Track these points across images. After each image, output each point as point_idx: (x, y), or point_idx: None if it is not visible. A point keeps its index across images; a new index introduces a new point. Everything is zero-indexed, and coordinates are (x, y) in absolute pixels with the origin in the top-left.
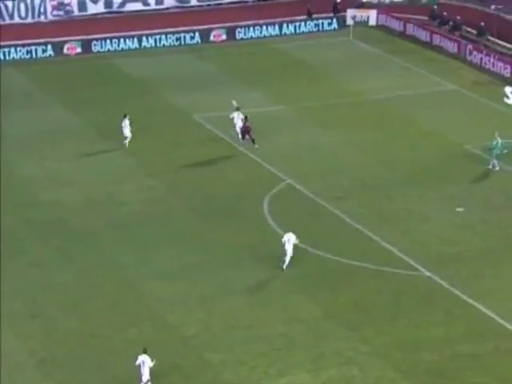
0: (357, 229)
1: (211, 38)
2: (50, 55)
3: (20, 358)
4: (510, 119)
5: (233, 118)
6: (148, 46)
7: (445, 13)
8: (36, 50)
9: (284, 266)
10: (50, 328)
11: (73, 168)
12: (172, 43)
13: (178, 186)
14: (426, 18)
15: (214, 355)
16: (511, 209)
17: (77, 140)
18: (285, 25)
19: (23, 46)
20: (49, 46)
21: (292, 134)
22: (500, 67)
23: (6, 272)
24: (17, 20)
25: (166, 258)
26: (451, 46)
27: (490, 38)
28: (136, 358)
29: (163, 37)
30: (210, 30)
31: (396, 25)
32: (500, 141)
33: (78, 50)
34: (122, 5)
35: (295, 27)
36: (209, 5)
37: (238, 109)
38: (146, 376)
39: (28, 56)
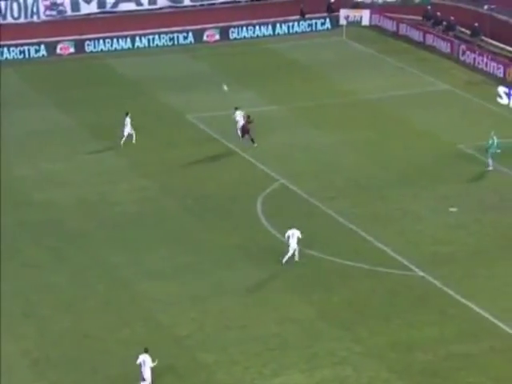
0: (350, 229)
1: (204, 37)
2: (43, 55)
3: (13, 359)
4: (503, 119)
5: (235, 118)
6: (141, 46)
7: (438, 13)
8: (29, 50)
9: (284, 260)
10: (43, 328)
11: (66, 168)
12: (165, 43)
13: (171, 187)
14: (419, 18)
15: (207, 355)
16: (505, 209)
17: (70, 140)
18: (278, 25)
19: (16, 46)
20: (42, 46)
21: (285, 134)
22: (493, 67)
23: (1, 272)
24: (9, 20)
25: (159, 258)
26: (444, 46)
27: (483, 38)
28: (137, 357)
29: (156, 37)
30: (204, 29)
31: (389, 25)
32: (496, 140)
33: (71, 50)
34: (115, 5)
35: (288, 27)
36: (202, 5)
37: (236, 108)
38: (146, 375)
39: (21, 56)
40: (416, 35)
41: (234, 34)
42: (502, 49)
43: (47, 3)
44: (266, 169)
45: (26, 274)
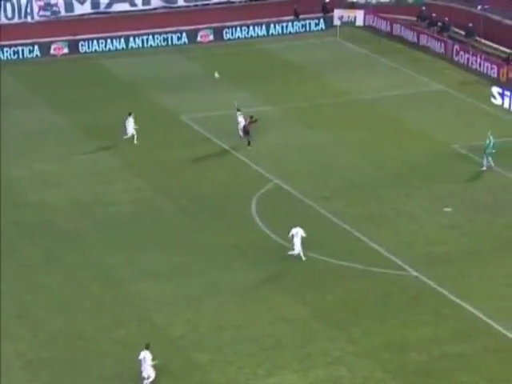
0: (344, 229)
1: (198, 38)
2: (36, 56)
3: (7, 359)
4: (496, 119)
5: (237, 119)
6: (135, 46)
7: (434, 14)
8: (23, 50)
9: (291, 253)
10: (37, 329)
11: (60, 169)
12: (159, 44)
13: (165, 187)
14: (412, 18)
15: (201, 355)
16: (499, 209)
17: (64, 140)
18: (272, 25)
19: (10, 46)
20: (35, 47)
21: (280, 135)
22: (487, 67)
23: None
24: (3, 20)
25: (153, 258)
26: (438, 47)
27: (477, 38)
28: (139, 353)
29: (150, 37)
30: (198, 30)
31: (383, 25)
32: (492, 140)
33: (65, 50)
34: (109, 5)
35: (282, 28)
36: (196, 5)
37: (238, 110)
38: (146, 372)
39: (15, 56)
40: (410, 35)
41: (228, 34)
42: (495, 49)
43: (41, 4)
44: (261, 169)
45: (20, 275)
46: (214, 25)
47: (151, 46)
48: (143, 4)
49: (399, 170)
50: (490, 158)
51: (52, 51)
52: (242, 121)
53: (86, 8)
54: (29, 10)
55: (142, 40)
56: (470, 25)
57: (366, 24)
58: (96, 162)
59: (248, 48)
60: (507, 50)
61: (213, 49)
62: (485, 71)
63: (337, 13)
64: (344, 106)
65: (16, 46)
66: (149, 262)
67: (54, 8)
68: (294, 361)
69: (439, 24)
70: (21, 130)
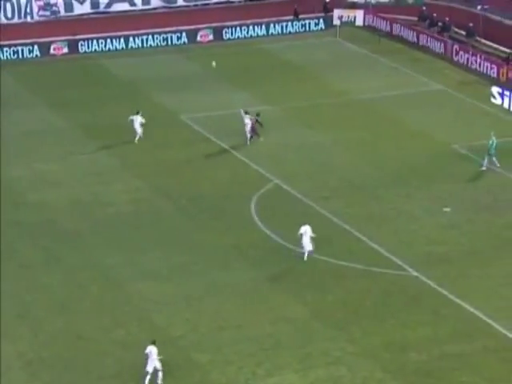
0: (344, 229)
1: (198, 38)
2: (36, 55)
3: (7, 359)
4: (496, 119)
5: (243, 120)
6: (135, 46)
7: (434, 14)
8: (22, 50)
9: (305, 257)
10: (37, 329)
11: (60, 169)
12: (159, 43)
13: (165, 187)
14: (412, 18)
15: (201, 355)
16: (498, 209)
17: (64, 140)
18: (272, 25)
19: (9, 46)
20: (35, 47)
21: (279, 135)
22: (486, 67)
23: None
24: (3, 20)
25: (153, 258)
26: (438, 46)
27: (477, 38)
28: (145, 347)
29: (150, 37)
30: (197, 30)
31: (383, 25)
32: (495, 141)
33: (65, 50)
34: (109, 5)
35: (282, 27)
36: (196, 5)
37: (246, 113)
38: (150, 366)
39: (14, 56)
40: (410, 35)
41: (227, 34)
42: (495, 49)
43: (41, 3)
44: (260, 169)
45: (20, 275)
46: (214, 25)
47: (151, 45)
48: (143, 4)
49: (399, 170)
50: (494, 159)
51: (52, 51)
52: (248, 122)
53: (86, 8)
54: (28, 10)
55: (142, 40)
56: (471, 25)
57: (366, 24)
58: (96, 162)
59: (248, 48)
60: (507, 50)
61: (212, 49)
62: (485, 71)
63: (336, 13)
64: (344, 106)
65: (16, 45)
66: (149, 262)
67: (54, 8)
68: (294, 361)
69: (440, 24)
70: (20, 129)
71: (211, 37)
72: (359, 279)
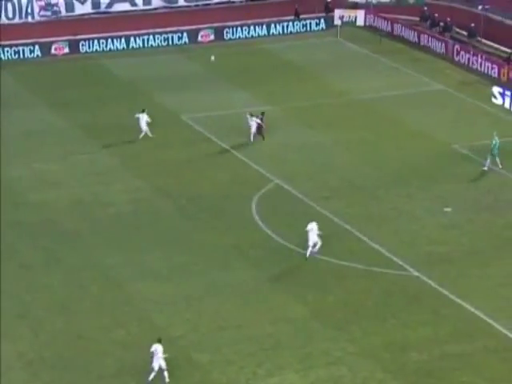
0: (345, 229)
1: (199, 38)
2: (37, 56)
3: (7, 359)
4: (497, 119)
5: (248, 123)
6: (136, 46)
7: (436, 14)
8: (23, 50)
9: (316, 250)
10: (37, 329)
11: (60, 169)
12: (160, 43)
13: (165, 187)
14: (413, 18)
15: (202, 355)
16: (499, 209)
17: (64, 140)
18: (273, 25)
19: (10, 46)
20: (36, 47)
21: (280, 135)
22: (487, 67)
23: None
24: (4, 20)
25: (153, 258)
26: (439, 46)
27: (479, 39)
28: (151, 346)
29: (151, 37)
30: (198, 30)
31: (384, 25)
32: (498, 141)
33: (66, 50)
34: (110, 5)
35: (283, 27)
36: (197, 5)
37: (252, 115)
38: (157, 366)
39: (15, 56)
40: (411, 35)
41: (228, 34)
42: (496, 49)
43: (42, 4)
44: (261, 169)
45: (20, 275)
46: (215, 25)
47: (152, 45)
48: (144, 4)
49: (400, 170)
50: (497, 159)
51: (53, 51)
52: (253, 124)
53: (87, 8)
54: (29, 10)
55: (143, 40)
56: (473, 25)
57: (367, 24)
58: (96, 162)
59: (249, 48)
60: (508, 50)
61: (213, 49)
62: (485, 71)
63: (337, 13)
64: (344, 106)
65: (17, 45)
66: (149, 262)
67: (55, 8)
68: (294, 361)
69: (441, 24)
70: (21, 129)
71: (212, 37)
72: (360, 279)
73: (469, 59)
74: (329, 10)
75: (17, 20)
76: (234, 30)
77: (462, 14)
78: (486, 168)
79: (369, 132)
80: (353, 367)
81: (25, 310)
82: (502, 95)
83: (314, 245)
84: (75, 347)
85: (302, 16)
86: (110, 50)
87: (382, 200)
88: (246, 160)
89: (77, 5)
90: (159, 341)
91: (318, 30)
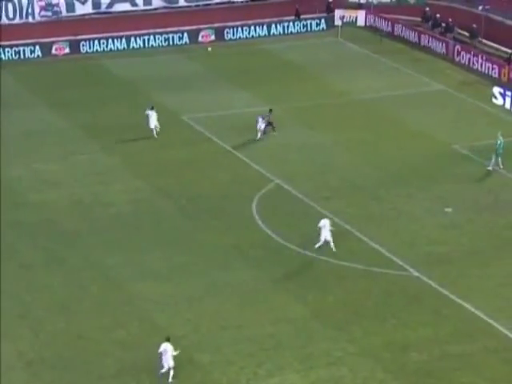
0: (345, 229)
1: (199, 38)
2: (38, 56)
3: (7, 359)
4: (497, 119)
5: (256, 123)
6: (136, 46)
7: (438, 15)
8: (24, 50)
9: (332, 248)
10: (37, 329)
11: (60, 169)
12: (160, 44)
13: (165, 187)
14: (414, 18)
15: (202, 356)
16: (499, 209)
17: (64, 141)
18: (273, 25)
19: (11, 46)
20: (37, 47)
21: (280, 135)
22: (488, 67)
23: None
24: (4, 21)
25: (153, 258)
26: (439, 47)
27: (480, 39)
28: (159, 346)
29: (151, 37)
30: (199, 30)
31: (384, 25)
32: (502, 140)
33: (66, 50)
34: (110, 5)
35: (283, 28)
36: (197, 5)
37: (263, 118)
38: (167, 364)
39: (16, 57)
40: (411, 36)
41: (229, 34)
42: (496, 49)
43: (42, 4)
44: (261, 169)
45: (20, 275)
46: (215, 25)
47: (152, 46)
48: (144, 4)
49: (400, 170)
50: (499, 159)
51: (53, 51)
52: (262, 124)
53: (87, 8)
54: (30, 11)
55: (143, 40)
56: (474, 26)
57: (367, 24)
58: (96, 162)
59: (249, 48)
60: (508, 51)
61: (214, 49)
62: (486, 71)
63: (338, 13)
64: (345, 106)
65: (17, 46)
66: (149, 262)
67: (56, 8)
68: (294, 361)
69: (443, 25)
70: (21, 129)
71: (213, 37)
72: (360, 279)
73: (469, 59)
74: (330, 10)
75: (17, 20)
76: (235, 30)
77: (463, 14)
78: (490, 168)
79: (369, 132)
80: (353, 367)
81: (25, 310)
82: (503, 95)
83: (326, 241)
84: (75, 347)
85: (302, 16)
86: (111, 50)
87: (383, 200)
88: (247, 160)
89: (77, 5)
90: (168, 339)
91: (319, 30)
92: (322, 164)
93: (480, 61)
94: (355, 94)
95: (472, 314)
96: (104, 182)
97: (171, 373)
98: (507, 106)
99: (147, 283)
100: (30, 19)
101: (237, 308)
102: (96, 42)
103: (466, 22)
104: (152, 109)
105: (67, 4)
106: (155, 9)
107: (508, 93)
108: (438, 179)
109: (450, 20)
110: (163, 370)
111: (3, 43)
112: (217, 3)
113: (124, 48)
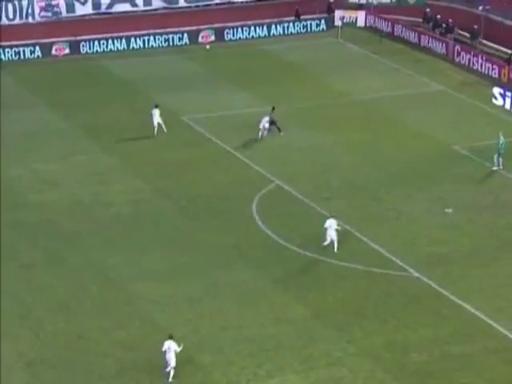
0: (345, 229)
1: (199, 39)
2: (38, 56)
3: (8, 360)
4: (498, 120)
5: (260, 123)
6: (136, 47)
7: (438, 16)
8: (24, 51)
9: (335, 249)
10: (37, 330)
11: (60, 169)
12: (160, 44)
13: (165, 187)
14: (414, 19)
15: (203, 356)
16: (499, 209)
17: (64, 141)
18: (273, 26)
19: (11, 47)
20: (37, 47)
21: (281, 135)
22: (488, 68)
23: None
24: (4, 21)
25: (153, 259)
26: (439, 47)
27: (481, 40)
28: (162, 344)
29: (151, 38)
30: (199, 31)
31: (384, 26)
32: (504, 140)
33: (66, 51)
34: (110, 6)
35: (283, 28)
36: (197, 6)
37: (272, 122)
38: (172, 362)
39: (16, 57)
40: (411, 36)
41: (229, 35)
42: (496, 50)
43: (42, 4)
44: (262, 169)
45: (20, 275)
46: (216, 25)
47: (152, 46)
48: (144, 5)
49: (400, 171)
50: (500, 159)
51: (53, 52)
52: (266, 124)
53: (87, 9)
54: (30, 11)
55: (143, 40)
56: (476, 27)
57: (367, 25)
58: (96, 163)
59: (249, 49)
60: (508, 51)
61: (214, 49)
62: (486, 72)
63: (338, 13)
64: (345, 107)
65: (17, 46)
66: (149, 262)
67: (56, 9)
68: (295, 361)
69: (444, 26)
70: (21, 130)
71: (213, 37)
72: (360, 280)
73: (469, 60)
74: (331, 10)
75: (17, 21)
76: (235, 30)
77: (462, 14)
78: (495, 168)
79: (369, 133)
80: (353, 368)
81: (25, 310)
82: (503, 96)
83: (332, 242)
84: (75, 348)
85: (302, 17)
86: (111, 50)
87: (383, 200)
88: (247, 161)
89: (77, 5)
90: (170, 337)
91: (319, 30)
92: (322, 164)
93: (480, 61)
94: (355, 94)
95: (472, 314)
96: (104, 183)
97: (172, 372)
98: (507, 106)
99: (147, 283)
100: (30, 20)
101: (237, 308)
102: (96, 42)
103: (466, 23)
104: (156, 107)
105: (67, 4)
106: (155, 9)
107: (508, 93)
108: (438, 180)
109: (451, 21)
110: (168, 369)
111: (3, 44)
112: (217, 4)
113: (124, 48)
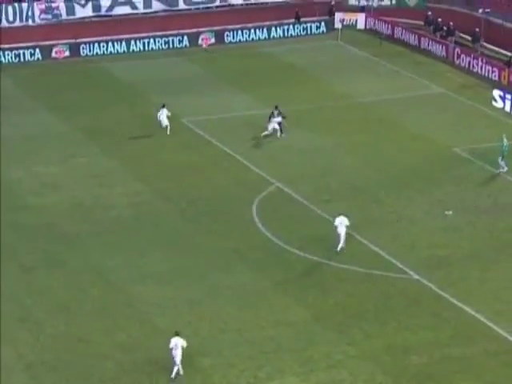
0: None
1: (200, 41)
2: (38, 59)
3: (8, 362)
4: (497, 122)
5: (273, 127)
6: (136, 49)
7: (439, 19)
8: (24, 53)
9: (338, 249)
10: (37, 332)
11: (60, 172)
12: (160, 47)
13: (165, 190)
14: (414, 21)
15: (203, 359)
16: (499, 212)
17: (64, 143)
18: (273, 28)
19: (11, 49)
20: (37, 50)
21: (282, 137)
22: (488, 70)
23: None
24: (4, 24)
25: (154, 261)
26: (439, 50)
27: (482, 43)
28: (169, 341)
29: (151, 40)
30: (199, 33)
31: (384, 28)
32: (507, 142)
33: (66, 53)
34: (110, 8)
35: (284, 31)
36: (197, 8)
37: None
38: (178, 358)
39: (16, 60)
40: (411, 39)
41: (229, 37)
42: (496, 52)
43: (42, 7)
44: (262, 172)
45: (20, 278)
46: (216, 28)
47: (152, 49)
48: (144, 7)
49: (400, 173)
50: (502, 162)
51: (53, 54)
52: (276, 126)
53: (88, 11)
54: (30, 14)
55: (143, 43)
56: (477, 30)
57: (368, 27)
58: (96, 165)
59: (249, 51)
60: (508, 54)
61: (214, 52)
62: (486, 74)
63: (338, 16)
64: (345, 109)
65: (17, 49)
66: (149, 264)
67: (56, 11)
68: (295, 364)
69: (445, 29)
70: (21, 132)
71: (213, 40)
72: (360, 282)
73: (469, 62)
74: (332, 13)
75: (17, 23)
76: (235, 33)
77: (463, 17)
78: (501, 170)
79: (369, 135)
80: (353, 370)
81: (25, 312)
82: (503, 98)
83: (339, 241)
84: (76, 350)
85: (302, 19)
86: (111, 53)
87: (383, 203)
88: (247, 163)
89: (77, 8)
90: (177, 334)
91: (319, 33)
92: (323, 167)
93: (480, 64)
94: (355, 96)
95: (472, 316)
96: (104, 185)
97: (175, 369)
98: (507, 108)
99: (147, 286)
100: (30, 22)
101: (237, 311)
102: (96, 45)
103: (467, 25)
104: (163, 107)
105: (67, 7)
106: (155, 12)
107: (508, 96)
108: (438, 182)
109: (452, 24)
110: (176, 368)
111: (3, 46)
112: (217, 6)
113: (124, 51)
